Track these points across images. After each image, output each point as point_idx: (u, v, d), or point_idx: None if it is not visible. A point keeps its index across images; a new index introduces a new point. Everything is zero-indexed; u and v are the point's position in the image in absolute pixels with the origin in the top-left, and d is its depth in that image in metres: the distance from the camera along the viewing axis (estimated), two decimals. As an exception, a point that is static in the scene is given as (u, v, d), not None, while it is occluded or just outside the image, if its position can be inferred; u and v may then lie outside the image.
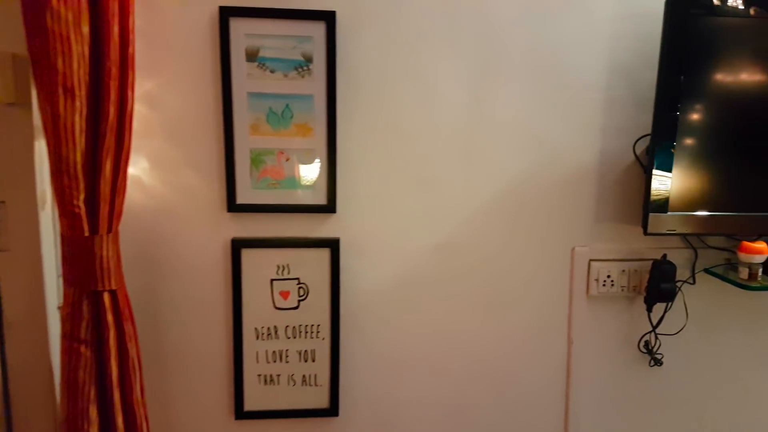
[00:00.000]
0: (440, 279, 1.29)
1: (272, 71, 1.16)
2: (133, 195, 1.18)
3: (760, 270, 1.21)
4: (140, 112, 1.16)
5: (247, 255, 1.22)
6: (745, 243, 1.20)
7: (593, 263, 1.31)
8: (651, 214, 1.18)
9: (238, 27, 1.14)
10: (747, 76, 1.15)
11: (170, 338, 1.25)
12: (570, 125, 1.26)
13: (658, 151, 1.15)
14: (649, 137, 1.22)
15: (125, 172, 1.06)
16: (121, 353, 1.10)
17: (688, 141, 1.15)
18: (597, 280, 1.32)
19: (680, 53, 1.11)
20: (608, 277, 1.31)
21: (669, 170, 1.16)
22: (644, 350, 1.35)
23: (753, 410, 1.42)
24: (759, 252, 1.18)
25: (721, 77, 1.14)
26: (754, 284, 1.20)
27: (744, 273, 1.22)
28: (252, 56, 1.15)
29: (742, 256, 1.21)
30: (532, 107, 1.25)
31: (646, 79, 1.21)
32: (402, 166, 1.25)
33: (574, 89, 1.25)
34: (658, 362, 1.35)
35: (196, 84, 1.17)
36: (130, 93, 1.04)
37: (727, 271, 1.30)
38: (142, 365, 1.15)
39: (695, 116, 1.15)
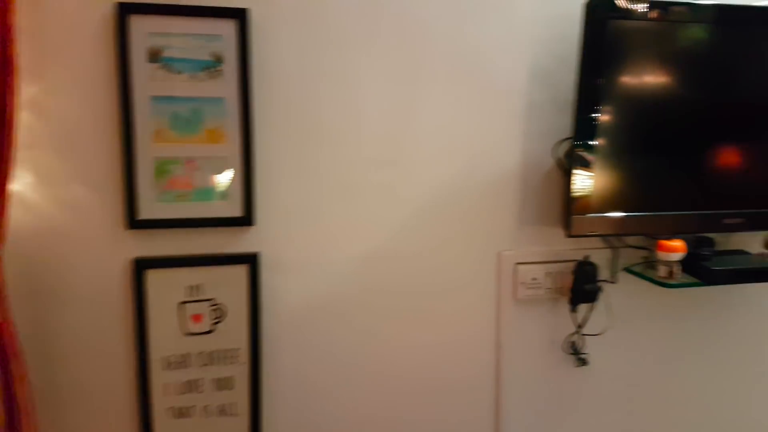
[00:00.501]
0: (368, 291, 1.24)
1: (178, 72, 1.06)
2: (17, 215, 1.04)
3: (678, 268, 1.24)
4: (24, 120, 1.02)
5: (153, 276, 1.10)
6: (663, 241, 1.23)
7: (519, 267, 1.30)
8: (573, 217, 1.19)
9: (140, 25, 1.04)
10: (661, 78, 1.18)
11: (67, 375, 1.10)
12: (493, 130, 1.25)
13: (577, 153, 1.16)
14: (569, 140, 1.23)
15: (7, 189, 0.93)
16: (8, 396, 0.95)
17: (607, 143, 1.17)
18: (524, 283, 1.31)
19: (598, 56, 1.12)
20: (534, 279, 1.31)
21: (589, 172, 1.17)
22: (570, 351, 1.35)
23: (678, 407, 1.46)
24: (675, 250, 1.21)
25: (638, 79, 1.16)
26: (672, 282, 1.23)
27: (663, 271, 1.24)
28: (155, 56, 1.05)
29: (660, 255, 1.24)
30: (457, 112, 1.23)
31: (565, 82, 1.22)
32: (326, 172, 1.18)
33: (497, 94, 1.24)
34: (584, 362, 1.35)
35: (89, 88, 1.05)
36: (11, 99, 0.92)
37: (646, 269, 1.33)
38: (35, 407, 1.01)
39: (613, 118, 1.16)
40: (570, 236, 1.20)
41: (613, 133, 1.17)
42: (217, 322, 1.14)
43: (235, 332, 1.15)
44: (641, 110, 1.18)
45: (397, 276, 1.25)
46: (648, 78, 1.17)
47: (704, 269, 1.22)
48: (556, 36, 1.23)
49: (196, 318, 1.13)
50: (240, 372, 1.16)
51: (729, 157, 1.23)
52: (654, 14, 1.13)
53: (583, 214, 1.19)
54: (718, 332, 1.44)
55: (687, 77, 1.18)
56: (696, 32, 1.16)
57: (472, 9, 1.20)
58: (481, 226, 1.28)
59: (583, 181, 1.17)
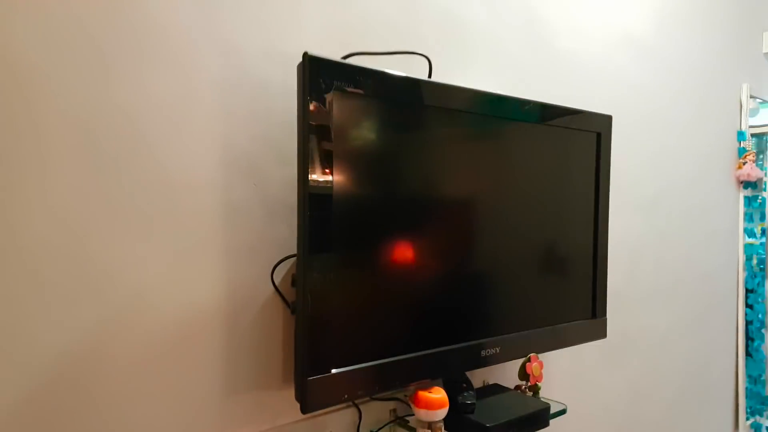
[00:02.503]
0: None
1: None
2: None
3: (441, 425, 0.91)
4: None
5: None
6: (421, 394, 0.89)
7: (226, 468, 0.79)
8: (308, 380, 0.75)
9: None
10: (398, 171, 0.87)
11: None
12: (174, 247, 0.75)
13: (308, 279, 0.75)
14: (293, 258, 0.82)
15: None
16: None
17: (348, 261, 0.79)
18: (234, 496, 0.79)
19: (326, 141, 0.75)
20: (251, 483, 0.81)
21: (326, 308, 0.76)
22: None
23: None
24: (441, 405, 0.88)
25: (377, 172, 0.84)
26: (442, 452, 0.88)
27: (423, 436, 0.89)
28: None
29: (422, 414, 0.88)
30: (100, 220, 0.69)
31: (277, 174, 0.82)
32: None
33: (174, 188, 0.75)
34: None
35: None
36: None
37: (397, 430, 0.97)
38: None
39: (353, 224, 0.80)
40: (307, 412, 0.76)
41: (353, 244, 0.80)
42: None
43: None
44: (382, 217, 0.85)
45: None
46: (386, 171, 0.85)
47: (477, 427, 0.91)
48: (254, 110, 0.82)
49: None
50: None
51: (472, 275, 0.99)
52: (375, 87, 0.82)
53: (324, 373, 0.76)
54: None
55: (423, 174, 0.91)
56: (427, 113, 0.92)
57: (117, 58, 0.70)
58: (159, 408, 0.74)
59: (321, 322, 0.76)
